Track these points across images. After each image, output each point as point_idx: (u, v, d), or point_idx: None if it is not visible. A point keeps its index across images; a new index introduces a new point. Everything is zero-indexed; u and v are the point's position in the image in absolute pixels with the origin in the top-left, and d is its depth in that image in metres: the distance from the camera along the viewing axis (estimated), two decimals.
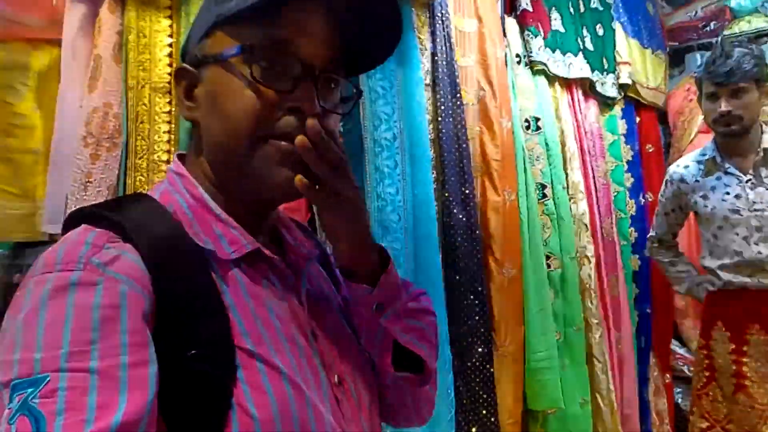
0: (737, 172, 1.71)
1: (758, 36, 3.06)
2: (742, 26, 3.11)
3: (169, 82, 1.30)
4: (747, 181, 1.69)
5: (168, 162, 1.27)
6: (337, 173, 0.54)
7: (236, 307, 0.52)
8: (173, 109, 1.29)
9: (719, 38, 2.99)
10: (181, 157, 0.62)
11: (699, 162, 1.82)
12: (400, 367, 0.65)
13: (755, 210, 1.66)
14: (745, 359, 1.67)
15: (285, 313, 0.57)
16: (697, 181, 1.80)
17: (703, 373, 1.82)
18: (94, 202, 1.15)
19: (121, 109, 1.24)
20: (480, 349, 1.79)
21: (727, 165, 1.73)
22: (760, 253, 1.65)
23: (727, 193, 1.72)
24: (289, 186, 0.54)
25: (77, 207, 1.12)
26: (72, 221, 0.53)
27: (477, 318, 1.80)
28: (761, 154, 1.67)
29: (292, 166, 0.53)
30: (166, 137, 1.28)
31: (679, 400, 2.84)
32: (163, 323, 0.48)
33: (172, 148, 1.28)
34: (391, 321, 0.63)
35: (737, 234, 1.69)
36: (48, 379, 0.41)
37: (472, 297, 1.80)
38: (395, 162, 1.68)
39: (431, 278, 1.71)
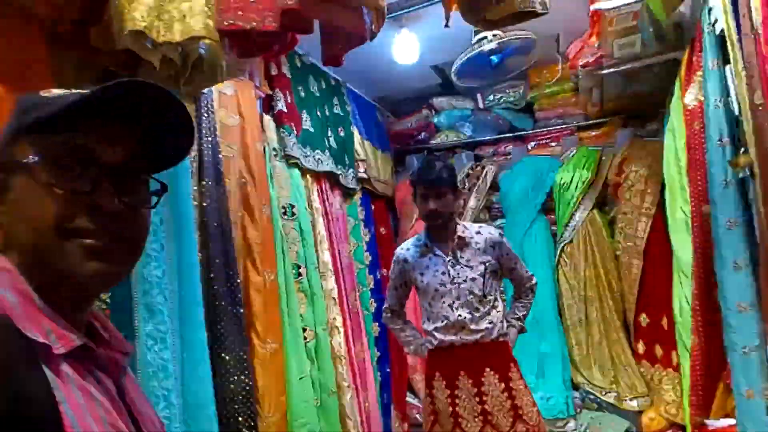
0: (442, 254, 2.15)
1: (453, 147, 4.02)
2: (443, 139, 4.04)
3: None
4: (448, 261, 2.13)
5: None
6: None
7: (67, 401, 0.54)
8: None
9: (425, 153, 3.82)
10: None
11: (417, 246, 2.24)
12: None
13: (455, 283, 2.10)
14: (457, 401, 2.07)
15: (108, 402, 0.60)
16: (416, 261, 2.20)
17: (429, 417, 2.17)
18: None
19: None
20: (247, 423, 1.86)
21: (435, 248, 2.16)
22: (460, 315, 2.08)
23: (437, 270, 2.13)
24: (99, 277, 0.61)
25: None
26: None
27: (243, 394, 1.87)
28: (456, 240, 2.15)
29: (98, 258, 0.60)
30: None
31: None
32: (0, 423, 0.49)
33: None
34: None
35: (444, 302, 2.10)
36: None
37: (238, 374, 1.88)
38: (161, 245, 1.72)
39: (198, 358, 1.75)
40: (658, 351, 3.01)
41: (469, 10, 1.46)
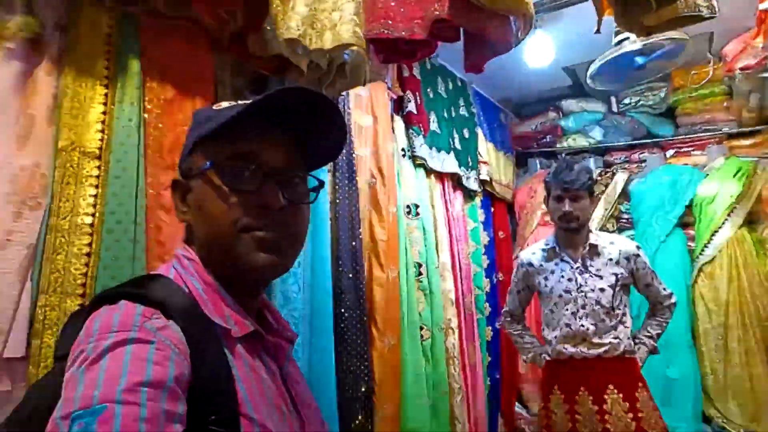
0: (570, 260, 2.07)
1: (580, 152, 3.83)
2: (570, 142, 3.87)
3: (99, 148, 1.35)
4: (576, 268, 2.05)
5: (92, 225, 1.29)
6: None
7: (240, 378, 0.62)
8: (101, 173, 1.33)
9: (564, 154, 3.67)
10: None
11: (543, 250, 2.18)
12: None
13: (581, 291, 2.02)
14: (577, 417, 1.99)
15: (273, 384, 0.68)
16: (541, 265, 2.14)
17: (543, 430, 2.12)
18: (13, 260, 1.16)
19: (48, 169, 1.26)
20: (363, 412, 1.94)
21: (563, 254, 2.09)
22: (583, 326, 1.99)
23: (562, 276, 2.06)
24: (269, 267, 0.67)
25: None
26: (105, 299, 0.61)
27: (362, 383, 1.96)
28: (588, 248, 2.06)
29: (267, 250, 0.67)
30: (91, 200, 1.30)
31: None
32: (193, 389, 0.57)
33: (97, 213, 1.31)
34: None
35: (567, 309, 2.03)
36: (105, 408, 0.48)
37: (358, 363, 1.96)
38: None
39: (324, 345, 1.86)
40: None
41: (623, 14, 1.38)
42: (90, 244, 1.27)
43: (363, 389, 1.96)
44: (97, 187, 1.32)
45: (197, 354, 0.59)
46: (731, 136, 3.35)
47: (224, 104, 0.73)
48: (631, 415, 1.93)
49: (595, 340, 1.98)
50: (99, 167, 1.33)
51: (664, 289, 2.08)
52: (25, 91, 1.27)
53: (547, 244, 2.18)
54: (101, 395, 0.49)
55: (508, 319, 2.32)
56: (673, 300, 2.08)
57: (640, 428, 1.91)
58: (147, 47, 1.48)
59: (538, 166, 3.98)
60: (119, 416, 0.48)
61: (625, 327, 2.02)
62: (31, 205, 1.21)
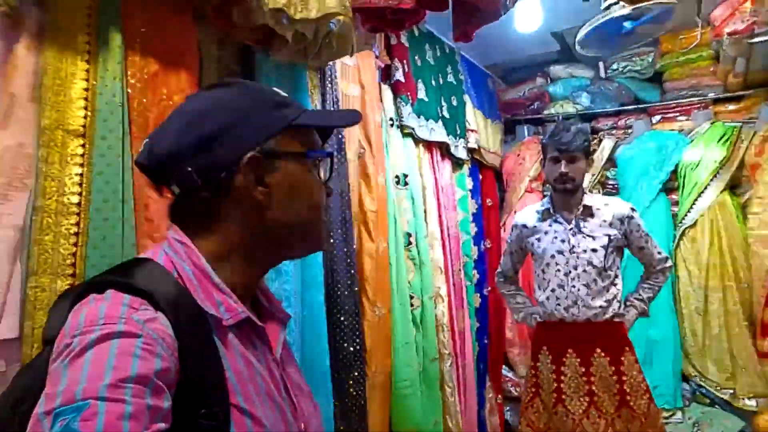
0: (564, 221, 2.09)
1: (567, 118, 3.83)
2: (557, 109, 3.86)
3: (83, 125, 1.32)
4: (570, 229, 2.07)
5: (79, 204, 1.28)
6: None
7: (231, 368, 0.62)
8: (86, 152, 1.31)
9: (560, 116, 3.66)
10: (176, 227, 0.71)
11: (538, 212, 2.20)
12: None
13: (573, 252, 2.05)
14: (563, 377, 2.05)
15: (265, 372, 0.67)
16: (535, 226, 2.17)
17: (530, 390, 2.18)
18: (1, 243, 1.15)
19: (33, 149, 1.24)
20: (355, 381, 1.98)
21: (557, 215, 2.11)
22: (574, 287, 2.03)
23: (555, 237, 2.09)
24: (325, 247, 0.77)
25: None
26: (92, 287, 0.60)
27: (353, 352, 2.00)
28: (581, 209, 2.08)
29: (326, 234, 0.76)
30: (77, 179, 1.28)
31: (509, 417, 3.31)
32: (182, 384, 0.57)
33: (83, 191, 1.29)
34: None
35: (559, 270, 2.06)
36: (89, 404, 0.47)
37: (350, 333, 2.00)
38: None
39: (316, 316, 1.88)
40: None
41: None
42: (78, 224, 1.26)
43: (355, 358, 2.00)
44: (82, 165, 1.29)
45: (186, 347, 0.58)
46: (717, 101, 3.37)
47: (280, 91, 0.75)
48: (615, 377, 2.00)
49: (587, 302, 2.02)
50: (83, 145, 1.30)
51: (659, 252, 2.11)
52: (4, 69, 1.23)
53: (542, 206, 2.20)
54: (84, 391, 0.48)
55: (501, 279, 2.37)
56: (668, 264, 2.12)
57: (623, 390, 1.98)
58: (128, 20, 1.44)
59: (526, 132, 3.97)
60: (102, 414, 0.47)
61: (617, 290, 2.06)
62: (17, 186, 1.19)
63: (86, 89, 1.34)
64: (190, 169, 0.65)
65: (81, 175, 1.29)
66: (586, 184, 3.52)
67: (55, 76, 1.28)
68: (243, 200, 0.68)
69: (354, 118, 0.79)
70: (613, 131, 3.68)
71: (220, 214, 0.69)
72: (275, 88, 0.76)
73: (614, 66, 3.65)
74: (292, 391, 0.71)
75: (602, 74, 3.72)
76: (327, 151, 0.76)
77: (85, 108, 1.33)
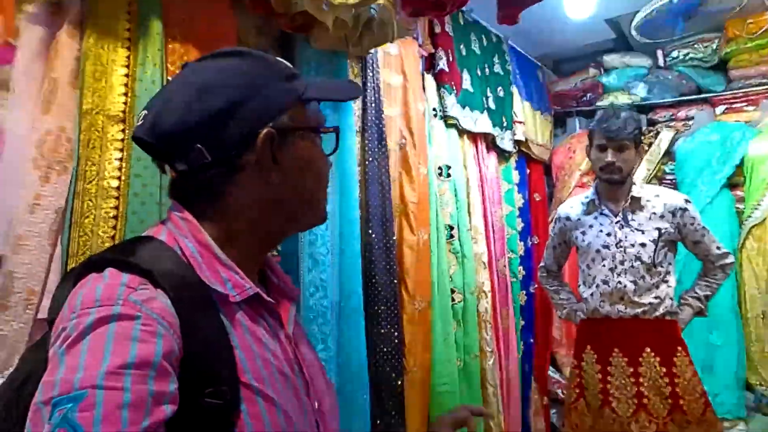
0: (610, 213, 1.97)
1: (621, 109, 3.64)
2: (611, 100, 3.67)
3: (123, 111, 1.34)
4: (616, 222, 1.95)
5: (118, 188, 1.30)
6: None
7: (240, 345, 0.60)
8: (126, 137, 1.33)
9: (611, 102, 3.49)
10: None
11: (583, 203, 2.09)
12: None
13: (620, 246, 1.93)
14: (609, 378, 1.93)
15: (276, 349, 0.65)
16: (579, 219, 2.06)
17: (574, 390, 2.06)
18: (42, 224, 1.17)
19: (74, 133, 1.26)
20: (393, 374, 1.94)
21: (603, 207, 1.99)
22: (620, 283, 1.91)
23: (601, 231, 1.98)
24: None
25: (25, 230, 1.14)
26: (92, 266, 0.59)
27: (392, 345, 1.96)
28: (629, 201, 1.95)
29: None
30: (117, 164, 1.30)
31: (554, 420, 3.19)
32: (185, 362, 0.54)
33: (123, 176, 1.31)
34: None
35: (605, 265, 1.94)
36: (86, 394, 0.46)
37: (388, 326, 1.96)
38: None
39: (354, 307, 1.86)
40: None
41: None
42: (117, 207, 1.28)
43: (394, 351, 1.96)
44: (122, 150, 1.32)
45: (188, 324, 0.55)
46: None
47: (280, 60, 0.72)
48: (667, 379, 1.87)
49: (634, 298, 1.91)
50: (123, 131, 1.33)
51: (718, 248, 1.96)
52: (48, 55, 1.26)
53: (586, 197, 2.09)
54: (82, 380, 0.47)
55: (544, 274, 2.27)
56: (728, 260, 1.96)
57: (675, 393, 1.85)
58: (168, 7, 1.45)
59: (578, 125, 3.82)
60: (101, 403, 0.46)
61: (668, 287, 1.92)
62: (58, 169, 1.22)
63: (126, 75, 1.36)
64: (200, 146, 0.62)
65: (120, 159, 1.31)
66: (641, 178, 3.35)
67: (96, 62, 1.31)
68: (254, 177, 0.65)
69: (356, 92, 0.78)
70: (672, 123, 3.47)
71: (228, 192, 0.65)
72: (279, 58, 0.73)
73: (674, 54, 3.44)
74: (305, 368, 0.69)
75: (660, 63, 3.51)
76: (335, 125, 0.76)
77: (125, 94, 1.35)
